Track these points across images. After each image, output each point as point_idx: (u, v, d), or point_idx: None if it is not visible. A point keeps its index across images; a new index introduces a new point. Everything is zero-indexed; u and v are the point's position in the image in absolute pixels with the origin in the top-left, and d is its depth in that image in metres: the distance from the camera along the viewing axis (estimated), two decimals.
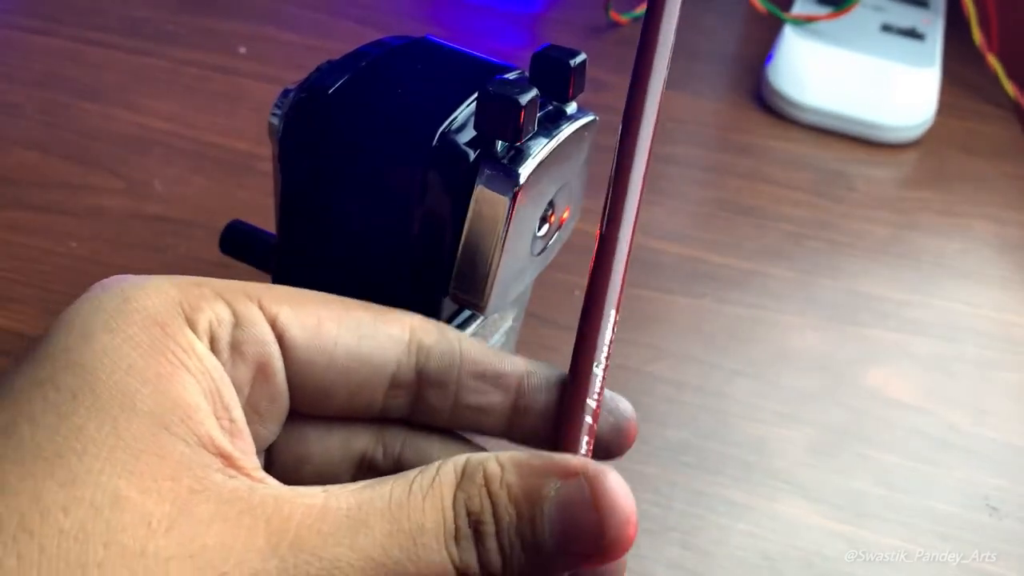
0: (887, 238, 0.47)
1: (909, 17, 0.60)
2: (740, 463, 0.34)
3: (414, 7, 0.63)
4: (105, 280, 0.19)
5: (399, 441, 0.23)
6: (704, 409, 0.36)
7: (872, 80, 0.54)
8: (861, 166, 0.53)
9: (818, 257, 0.45)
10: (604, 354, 0.21)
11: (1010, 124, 0.58)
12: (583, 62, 0.25)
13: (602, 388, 0.21)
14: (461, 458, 0.19)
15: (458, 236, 0.24)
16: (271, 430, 0.21)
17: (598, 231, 0.22)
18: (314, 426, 0.22)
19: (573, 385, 0.21)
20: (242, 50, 0.54)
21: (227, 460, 0.17)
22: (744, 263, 0.44)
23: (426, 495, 0.18)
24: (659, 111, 0.22)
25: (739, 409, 0.36)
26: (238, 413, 0.19)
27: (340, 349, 0.21)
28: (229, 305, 0.20)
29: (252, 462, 0.18)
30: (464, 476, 0.18)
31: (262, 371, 0.20)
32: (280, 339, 0.20)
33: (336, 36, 0.57)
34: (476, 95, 0.24)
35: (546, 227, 0.26)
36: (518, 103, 0.22)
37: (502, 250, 0.24)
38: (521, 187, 0.23)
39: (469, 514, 0.18)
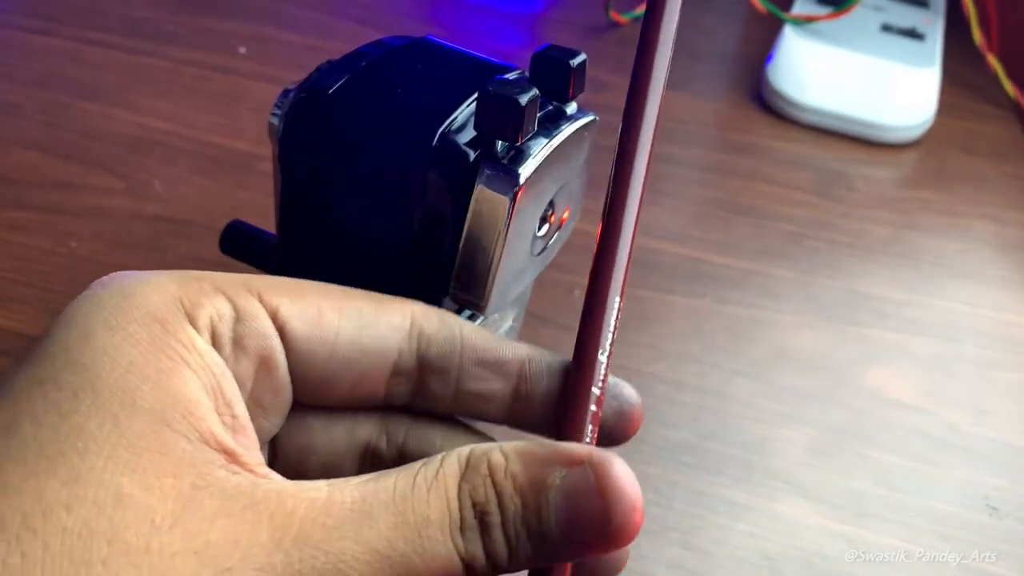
0: (887, 238, 0.47)
1: (909, 17, 0.60)
2: (740, 463, 0.34)
3: (414, 7, 0.63)
4: (105, 277, 0.19)
5: (402, 430, 0.23)
6: (704, 409, 0.36)
7: (872, 80, 0.54)
8: (861, 166, 0.53)
9: (818, 257, 0.45)
10: (608, 341, 0.21)
11: (1010, 124, 0.58)
12: (583, 62, 0.25)
13: (606, 375, 0.21)
14: (465, 449, 0.19)
15: (458, 236, 0.24)
16: (275, 423, 0.21)
17: (601, 218, 0.22)
18: (318, 417, 0.22)
19: (577, 373, 0.21)
20: (242, 50, 0.54)
21: (230, 456, 0.17)
22: (744, 263, 0.44)
23: (430, 487, 0.18)
24: (661, 100, 0.22)
25: (739, 409, 0.36)
26: (240, 409, 0.19)
27: (342, 339, 0.21)
28: (229, 300, 0.20)
29: (255, 458, 0.18)
30: (468, 467, 0.18)
31: (264, 365, 0.20)
32: (281, 332, 0.20)
33: (336, 36, 0.57)
34: (476, 95, 0.24)
35: (546, 227, 0.26)
36: (518, 103, 0.22)
37: (502, 250, 0.24)
38: (521, 187, 0.23)
39: (474, 505, 0.18)
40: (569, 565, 0.19)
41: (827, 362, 0.39)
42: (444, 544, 0.17)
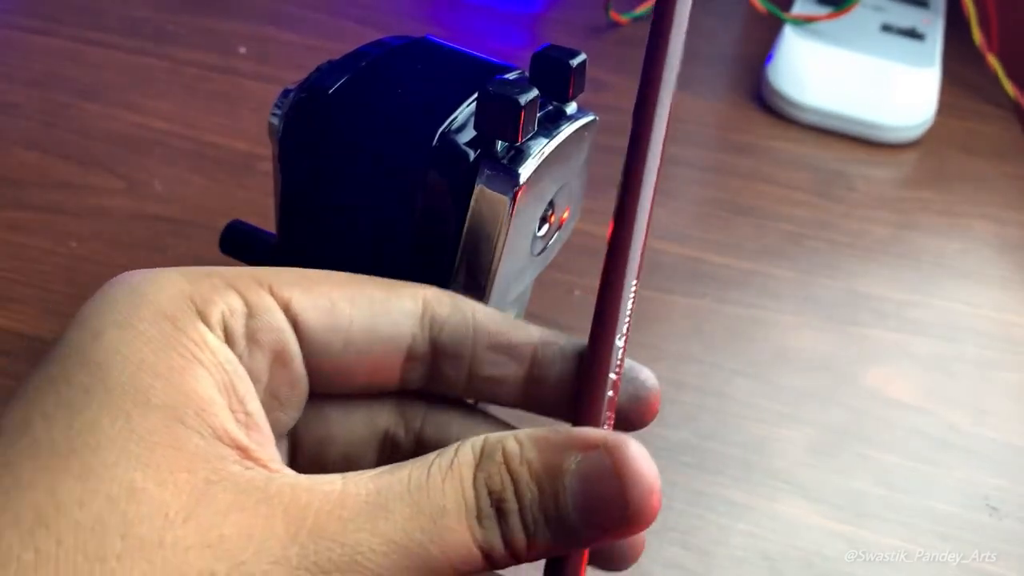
0: (887, 238, 0.47)
1: (909, 17, 0.60)
2: (740, 463, 0.34)
3: (414, 7, 0.63)
4: (116, 276, 0.19)
5: (419, 417, 0.23)
6: (704, 409, 0.36)
7: (872, 80, 0.54)
8: (861, 166, 0.53)
9: (818, 257, 0.45)
10: (625, 325, 0.21)
11: (1010, 124, 0.58)
12: (583, 62, 0.25)
13: (622, 360, 0.21)
14: (479, 438, 0.19)
15: (458, 236, 0.24)
16: (292, 415, 0.21)
17: (616, 197, 0.21)
18: (335, 407, 0.22)
19: (593, 358, 0.20)
20: (242, 50, 0.54)
21: (243, 452, 0.17)
22: (744, 263, 0.44)
23: (445, 476, 0.18)
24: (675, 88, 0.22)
25: (739, 409, 0.36)
26: (253, 405, 0.19)
27: (355, 328, 0.21)
28: (241, 295, 0.19)
29: (268, 454, 0.18)
30: (483, 455, 0.18)
31: (279, 358, 0.20)
32: (294, 324, 0.20)
33: (336, 36, 0.57)
34: (476, 95, 0.24)
35: (546, 227, 0.26)
36: (518, 103, 0.22)
37: (502, 250, 0.24)
38: (521, 187, 0.23)
39: (490, 493, 0.18)
40: (587, 552, 0.19)
41: (827, 362, 0.39)
42: (461, 533, 0.17)
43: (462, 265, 0.24)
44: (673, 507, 0.32)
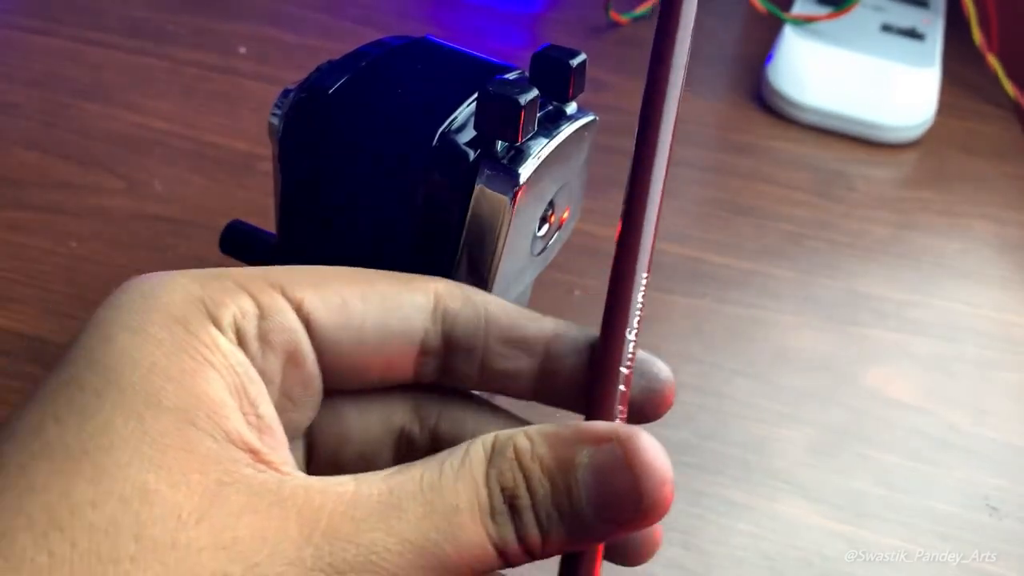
0: (887, 238, 0.47)
1: (909, 17, 0.60)
2: (740, 463, 0.34)
3: (414, 7, 0.63)
4: (127, 281, 0.19)
5: (435, 414, 0.23)
6: (704, 409, 0.36)
7: (872, 80, 0.54)
8: (861, 166, 0.53)
9: (818, 257, 0.45)
10: (636, 318, 0.20)
11: (1010, 124, 0.58)
12: (583, 62, 0.25)
13: (634, 353, 0.20)
14: (489, 436, 0.18)
15: (458, 236, 0.24)
16: (307, 415, 0.21)
17: (626, 188, 0.21)
18: (350, 406, 0.22)
19: (605, 352, 0.20)
20: (242, 50, 0.54)
21: (255, 455, 0.17)
22: (744, 263, 0.44)
23: (457, 475, 0.18)
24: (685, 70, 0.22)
25: (739, 409, 0.36)
26: (265, 409, 0.19)
27: (368, 325, 0.21)
28: (252, 296, 0.19)
29: (280, 457, 0.18)
30: (494, 453, 0.18)
31: (292, 358, 0.20)
32: (307, 324, 0.20)
33: (336, 36, 0.57)
34: (476, 95, 0.24)
35: (546, 227, 0.26)
36: (518, 103, 0.22)
37: (502, 250, 0.24)
38: (521, 187, 0.23)
39: (503, 490, 0.18)
40: (601, 548, 0.19)
41: (827, 362, 0.39)
42: (475, 531, 0.17)
43: (462, 265, 0.24)
44: (673, 507, 0.32)
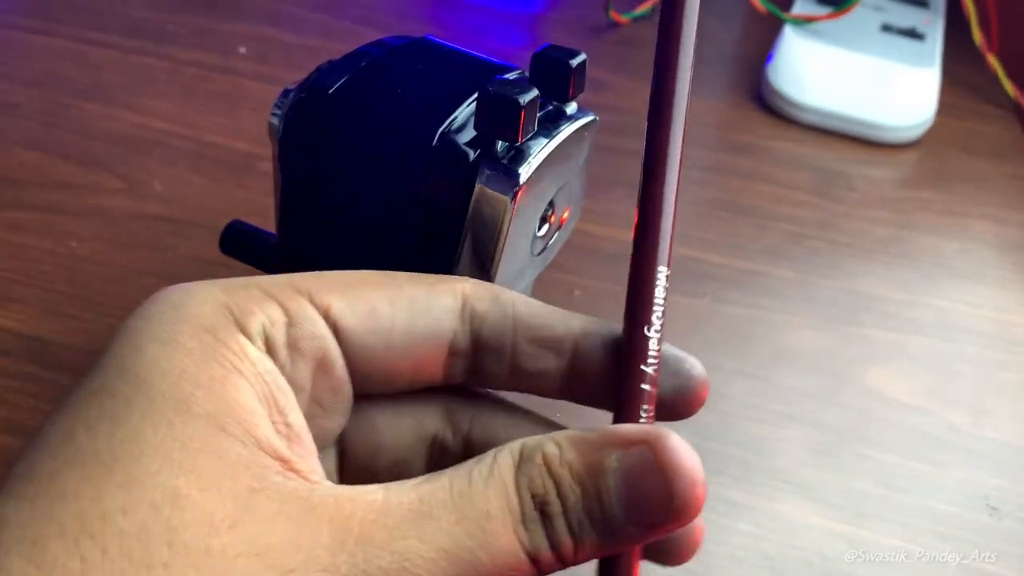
0: (887, 238, 0.47)
1: (909, 17, 0.60)
2: (740, 463, 0.34)
3: (414, 7, 0.63)
4: (156, 293, 0.19)
5: (467, 420, 0.23)
6: (704, 409, 0.36)
7: (872, 80, 0.54)
8: (861, 166, 0.53)
9: (818, 257, 0.45)
10: (657, 315, 0.20)
11: (1010, 124, 0.58)
12: (583, 62, 0.25)
13: (659, 352, 0.20)
14: (516, 444, 0.18)
15: (458, 236, 0.24)
16: (338, 422, 0.21)
17: (640, 181, 0.21)
18: (382, 413, 0.22)
19: (626, 352, 0.20)
20: (242, 50, 0.54)
21: (285, 464, 0.17)
22: (744, 263, 0.44)
23: (487, 482, 0.18)
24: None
25: (739, 409, 0.36)
26: (294, 418, 0.19)
27: (396, 329, 0.20)
28: (280, 304, 0.19)
29: (309, 466, 0.18)
30: (523, 459, 0.18)
31: (321, 365, 0.20)
32: (335, 330, 0.20)
33: (336, 36, 0.57)
34: (476, 95, 0.24)
35: (546, 227, 0.26)
36: (518, 103, 0.22)
37: (502, 250, 0.24)
38: (521, 187, 0.23)
39: (533, 496, 0.18)
40: (639, 551, 0.19)
41: (827, 362, 0.39)
42: (507, 538, 0.17)
43: (462, 265, 0.24)
44: None
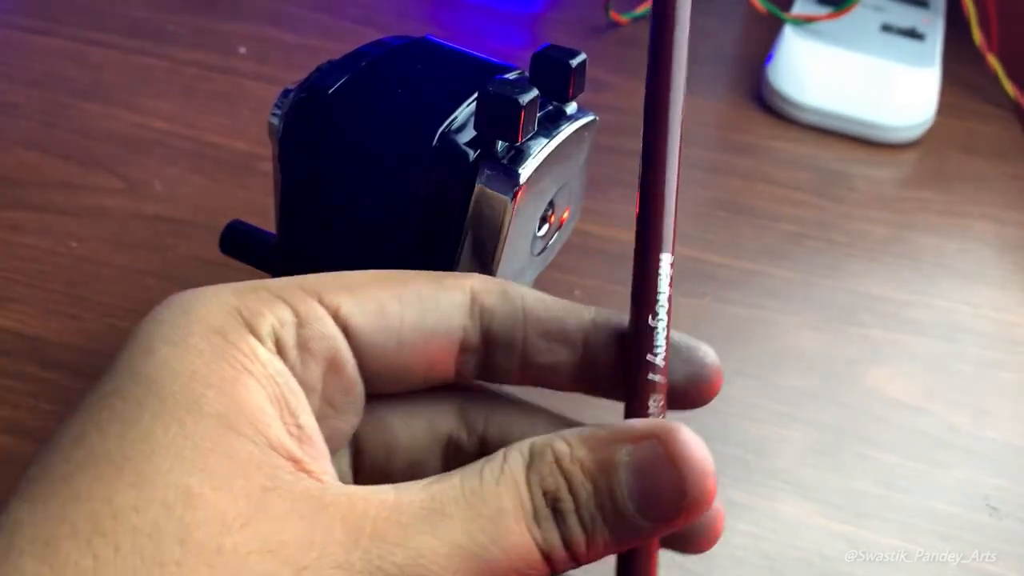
0: (887, 238, 0.47)
1: (909, 17, 0.60)
2: (740, 463, 0.34)
3: (414, 7, 0.63)
4: (167, 298, 0.19)
5: (481, 419, 0.23)
6: (703, 409, 0.36)
7: (872, 80, 0.54)
8: (861, 166, 0.53)
9: (818, 257, 0.45)
10: (662, 303, 0.20)
11: (1010, 124, 0.58)
12: (583, 62, 0.25)
13: (667, 341, 0.20)
14: (525, 443, 0.18)
15: (458, 236, 0.24)
16: (351, 422, 0.21)
17: (640, 166, 0.20)
18: (395, 414, 0.22)
19: (633, 342, 0.20)
20: (242, 50, 0.54)
21: (296, 464, 0.17)
22: (744, 263, 0.44)
23: (499, 480, 0.18)
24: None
25: (739, 409, 0.36)
26: (305, 419, 0.19)
27: (406, 327, 0.20)
28: (290, 305, 0.19)
29: (321, 467, 0.18)
30: (533, 457, 0.18)
31: (332, 366, 0.20)
32: (345, 329, 0.20)
33: (336, 36, 0.57)
34: (476, 95, 0.24)
35: (546, 227, 0.26)
36: (518, 103, 0.22)
37: (502, 250, 0.24)
38: (521, 187, 0.23)
39: (545, 494, 0.18)
40: (656, 545, 0.19)
41: (827, 362, 0.39)
42: (521, 534, 0.17)
43: (462, 265, 0.24)
44: None
